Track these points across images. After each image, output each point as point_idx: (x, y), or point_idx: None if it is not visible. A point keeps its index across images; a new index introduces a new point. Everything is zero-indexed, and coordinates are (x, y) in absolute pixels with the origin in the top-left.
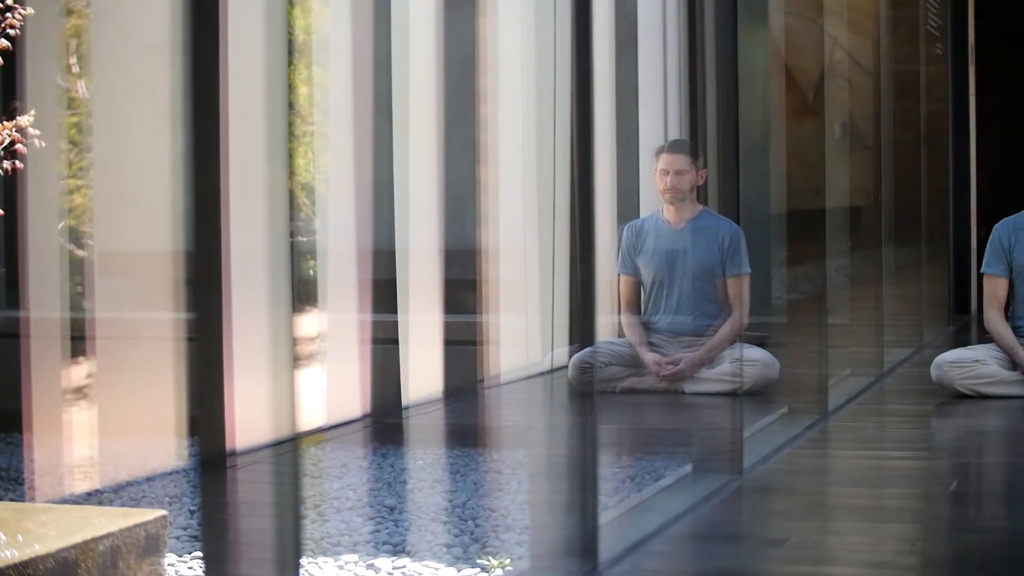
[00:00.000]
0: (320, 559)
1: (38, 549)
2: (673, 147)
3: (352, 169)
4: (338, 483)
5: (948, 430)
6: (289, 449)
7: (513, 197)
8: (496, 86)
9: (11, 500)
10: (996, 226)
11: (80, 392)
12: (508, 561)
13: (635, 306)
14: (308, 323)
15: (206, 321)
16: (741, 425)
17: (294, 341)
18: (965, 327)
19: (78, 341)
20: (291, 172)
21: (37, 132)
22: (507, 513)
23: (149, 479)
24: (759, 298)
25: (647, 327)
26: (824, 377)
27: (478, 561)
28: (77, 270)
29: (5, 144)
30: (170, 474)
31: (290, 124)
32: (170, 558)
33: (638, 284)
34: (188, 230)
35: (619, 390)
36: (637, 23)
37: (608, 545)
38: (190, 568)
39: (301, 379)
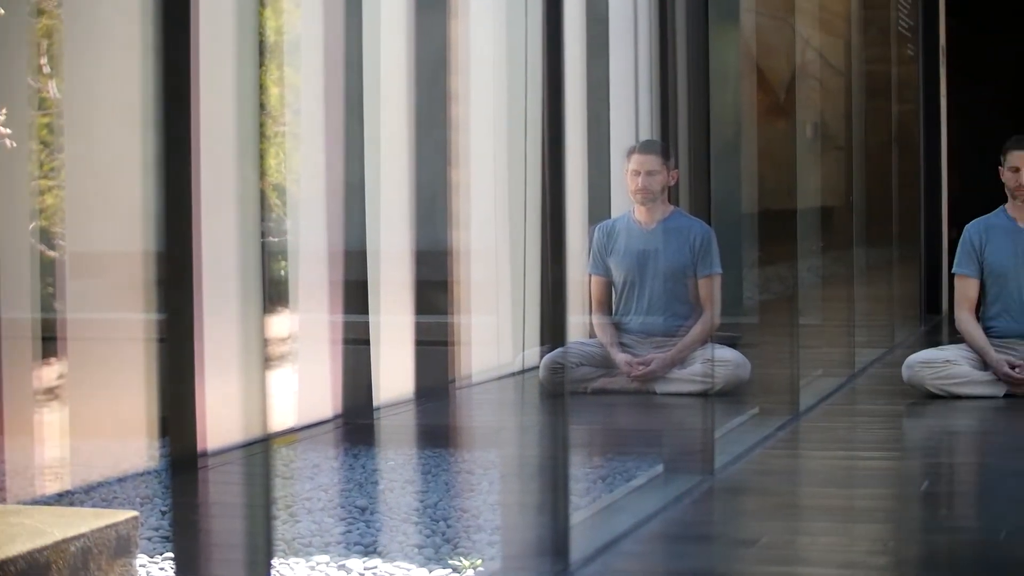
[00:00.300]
0: (291, 560)
1: (9, 550)
2: (644, 148)
3: (323, 170)
4: (309, 484)
5: (919, 430)
6: (260, 450)
7: (484, 198)
8: (467, 87)
9: None
10: (967, 226)
11: (51, 393)
12: (479, 562)
13: (606, 307)
14: (279, 324)
15: (177, 322)
16: (712, 425)
17: (265, 342)
18: (936, 327)
19: (49, 342)
20: (262, 173)
21: (8, 132)
22: (478, 513)
23: (120, 480)
24: (730, 298)
25: (618, 327)
26: (795, 377)
27: (449, 562)
28: (48, 271)
29: None
30: (141, 475)
31: (261, 125)
32: (142, 559)
33: (609, 285)
34: (159, 231)
35: (590, 390)
36: (608, 24)
37: (579, 545)
38: (161, 569)
39: (272, 380)
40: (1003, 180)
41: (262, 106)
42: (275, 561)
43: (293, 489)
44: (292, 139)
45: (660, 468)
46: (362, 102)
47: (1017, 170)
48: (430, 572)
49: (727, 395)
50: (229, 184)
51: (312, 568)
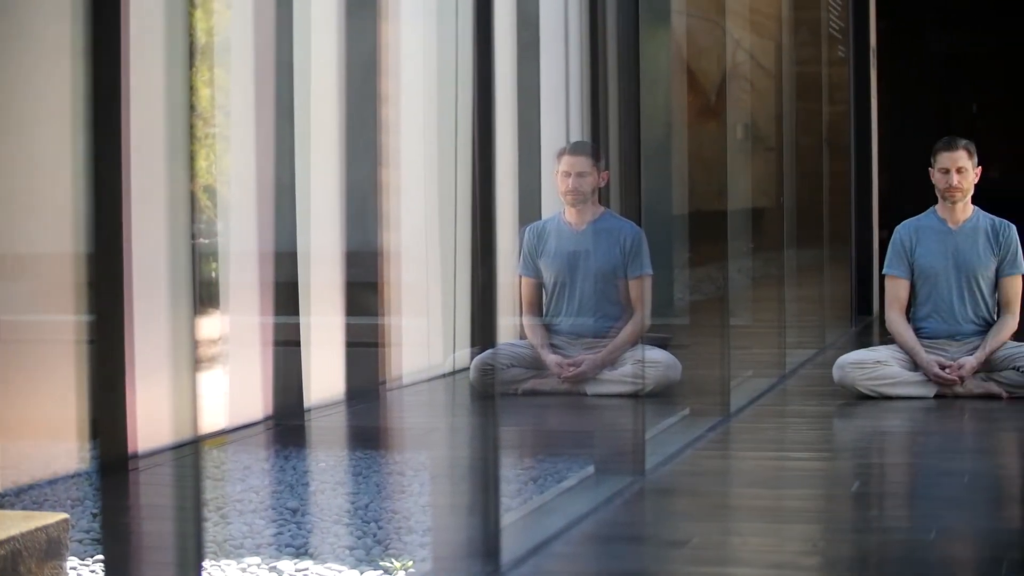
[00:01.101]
0: (222, 562)
1: None
2: (575, 149)
3: (254, 171)
4: (240, 485)
5: (850, 431)
6: (191, 451)
7: (415, 199)
8: (398, 89)
9: None
10: (897, 227)
11: None
12: (411, 563)
13: (537, 308)
14: (210, 325)
15: (107, 324)
16: (643, 426)
17: (196, 343)
18: (867, 328)
19: None
20: (193, 174)
21: None
22: (409, 515)
23: (51, 482)
24: (661, 299)
25: (549, 329)
26: (726, 378)
27: (381, 563)
28: None
29: None
30: (72, 477)
31: (192, 126)
32: (72, 562)
33: (540, 286)
34: (89, 232)
35: (521, 392)
36: (539, 25)
37: (510, 547)
38: (92, 572)
39: (203, 381)
40: (933, 181)
41: (192, 107)
42: (206, 563)
43: (224, 491)
44: (223, 141)
45: (591, 469)
46: (293, 104)
47: (947, 171)
48: (361, 574)
49: (658, 396)
50: (159, 186)
51: (243, 570)
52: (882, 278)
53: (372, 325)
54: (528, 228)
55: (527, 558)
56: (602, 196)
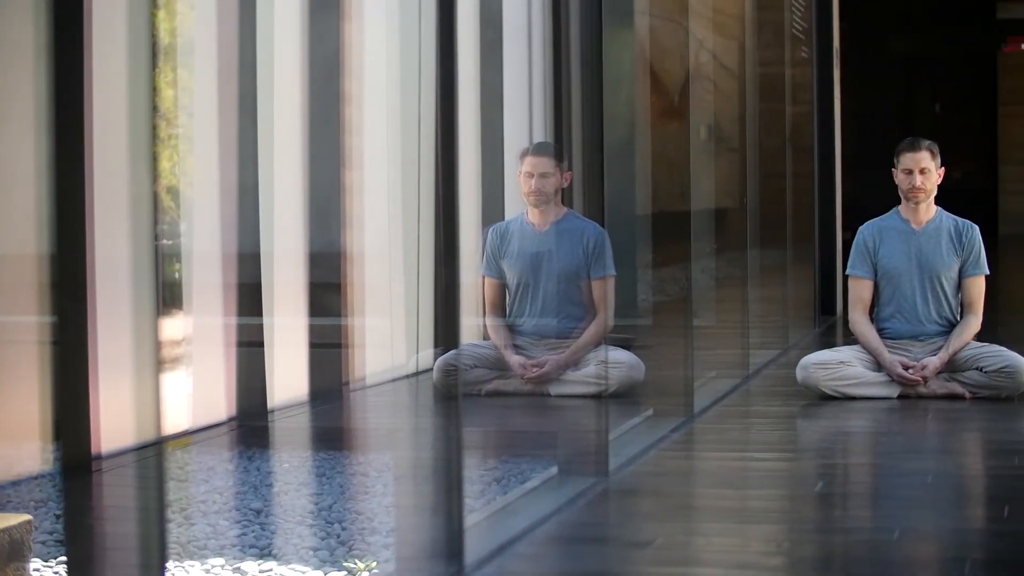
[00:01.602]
0: (186, 563)
1: None
2: (537, 150)
3: (217, 172)
4: (204, 486)
5: (813, 431)
6: (154, 453)
7: (378, 200)
8: (361, 89)
9: None
10: (861, 228)
11: None
12: (374, 564)
13: (500, 308)
14: (173, 326)
15: (70, 325)
16: (606, 427)
17: (159, 344)
18: (831, 328)
19: None
20: (156, 175)
21: None
22: (373, 516)
23: (14, 484)
24: (624, 300)
25: (512, 329)
26: (690, 379)
27: (344, 564)
28: None
29: None
30: (35, 478)
31: (155, 127)
32: (35, 563)
33: (503, 286)
34: (52, 233)
35: (484, 392)
36: (502, 26)
37: (474, 547)
38: (56, 573)
39: (166, 382)
40: (896, 182)
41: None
42: (170, 564)
43: (188, 492)
44: (186, 141)
45: (554, 470)
46: (256, 104)
47: (910, 172)
48: (325, 574)
49: (621, 397)
50: (122, 186)
51: (207, 571)
52: (846, 278)
53: (336, 326)
54: (491, 229)
55: (491, 559)
56: (565, 197)
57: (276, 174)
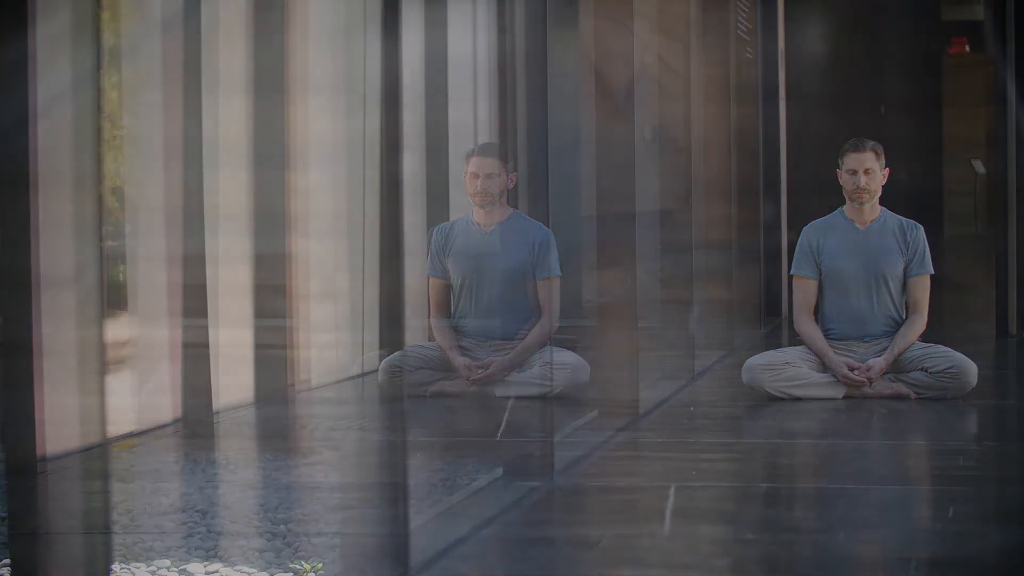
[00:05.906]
0: (132, 565)
1: None
2: (483, 151)
3: (162, 174)
4: (149, 488)
5: (758, 432)
6: (99, 454)
7: (323, 201)
8: (306, 91)
9: None
10: (805, 228)
11: None
12: (320, 565)
13: (445, 309)
14: (118, 328)
15: (14, 327)
16: (552, 429)
17: (104, 346)
18: (776, 329)
19: None
20: (101, 176)
21: None
22: (319, 517)
23: None
24: (569, 301)
25: (457, 330)
26: (635, 380)
27: (290, 566)
28: None
29: None
30: None
31: (100, 128)
32: None
33: (448, 287)
34: None
35: (429, 394)
36: (447, 27)
37: (419, 549)
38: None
39: (111, 384)
40: (841, 183)
41: (101, 109)
42: (115, 566)
43: (133, 493)
44: (131, 143)
45: (500, 471)
46: (201, 106)
47: (854, 172)
48: (271, 575)
49: (566, 398)
50: (67, 188)
51: (153, 573)
52: (790, 279)
53: (281, 327)
54: (436, 229)
55: (436, 560)
56: (511, 197)
57: (221, 175)
